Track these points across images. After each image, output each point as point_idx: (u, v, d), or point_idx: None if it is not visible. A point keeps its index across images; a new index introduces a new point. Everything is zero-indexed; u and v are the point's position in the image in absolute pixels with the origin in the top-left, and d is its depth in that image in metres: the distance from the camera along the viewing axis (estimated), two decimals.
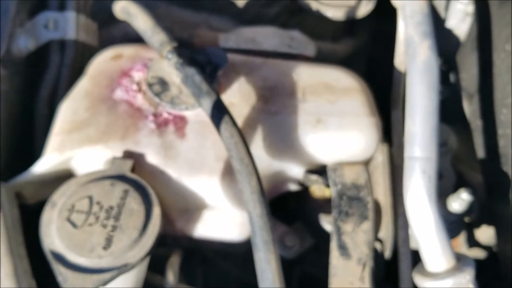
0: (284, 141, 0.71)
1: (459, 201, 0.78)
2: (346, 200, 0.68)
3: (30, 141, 0.81)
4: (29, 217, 0.67)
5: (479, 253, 0.90)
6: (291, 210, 0.88)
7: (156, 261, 0.73)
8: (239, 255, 0.90)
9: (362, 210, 0.67)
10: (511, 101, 0.75)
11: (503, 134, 0.76)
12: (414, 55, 0.64)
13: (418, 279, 0.59)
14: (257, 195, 0.61)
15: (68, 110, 0.71)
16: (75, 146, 0.68)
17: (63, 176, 0.68)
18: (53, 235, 0.59)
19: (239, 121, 0.70)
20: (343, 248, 0.65)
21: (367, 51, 1.15)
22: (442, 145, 0.90)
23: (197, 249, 0.84)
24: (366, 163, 0.77)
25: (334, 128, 0.72)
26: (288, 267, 0.72)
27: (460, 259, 0.59)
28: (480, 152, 0.82)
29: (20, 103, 0.81)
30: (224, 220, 0.70)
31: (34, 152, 0.79)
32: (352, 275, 0.63)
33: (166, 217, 0.72)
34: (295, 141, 0.71)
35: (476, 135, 0.84)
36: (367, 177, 0.70)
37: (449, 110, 0.98)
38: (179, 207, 0.70)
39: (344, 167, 0.71)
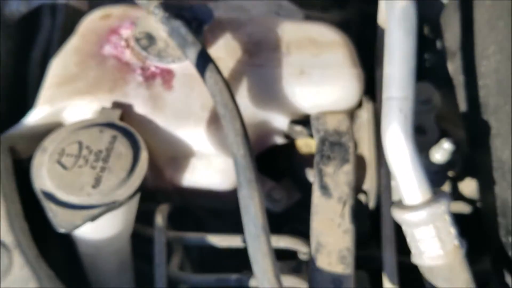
0: (268, 92, 0.73)
1: (441, 152, 0.80)
2: (328, 145, 0.70)
3: (24, 102, 0.83)
4: (23, 174, 0.70)
5: (464, 208, 0.92)
6: (279, 167, 0.90)
7: (147, 217, 0.75)
8: (230, 214, 0.93)
9: (343, 154, 0.70)
10: (491, 52, 0.77)
11: (484, 84, 0.78)
12: (393, 3, 0.66)
13: (396, 213, 0.61)
14: (240, 137, 0.63)
15: (58, 66, 0.74)
16: (65, 98, 0.70)
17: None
18: (44, 176, 0.61)
19: (225, 74, 0.72)
20: (324, 188, 0.67)
21: (355, 30, 1.17)
22: (426, 103, 0.92)
23: (189, 209, 0.87)
24: (351, 114, 0.79)
25: (317, 79, 0.74)
26: (277, 225, 0.74)
27: (436, 192, 0.61)
28: (462, 106, 0.84)
29: (13, 65, 0.83)
30: (211, 167, 0.73)
31: (27, 111, 0.81)
32: (333, 212, 0.65)
33: (155, 167, 0.75)
34: (279, 92, 0.73)
35: (458, 90, 0.86)
36: (348, 124, 0.73)
37: (435, 76, 1.00)
38: (167, 156, 0.73)
39: (327, 116, 0.73)
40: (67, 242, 0.70)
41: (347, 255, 0.62)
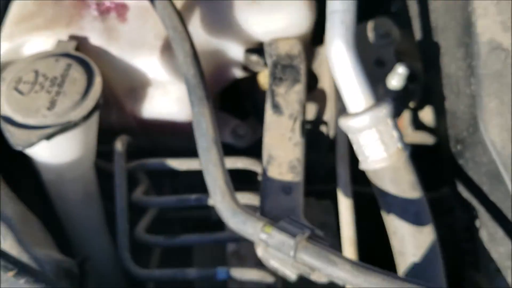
0: (221, 21, 0.75)
1: (396, 77, 0.82)
2: (280, 68, 0.73)
3: None
4: None
5: (425, 137, 0.95)
6: (243, 107, 0.93)
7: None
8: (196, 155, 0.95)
9: (294, 75, 0.72)
10: None
11: (434, 8, 0.80)
12: None
13: (342, 122, 0.63)
14: (190, 58, 0.65)
15: (17, 6, 0.76)
16: (23, 34, 0.72)
17: None
18: (2, 102, 0.64)
19: (178, 7, 0.74)
20: (276, 107, 0.69)
21: None
22: (385, 36, 0.94)
23: (157, 150, 0.89)
24: (310, 48, 0.81)
25: (268, 6, 0.75)
26: None
27: (380, 100, 0.63)
28: (418, 33, 0.86)
29: None
30: (168, 95, 0.75)
31: None
32: (284, 128, 0.67)
33: (116, 101, 0.77)
34: (231, 20, 0.75)
35: (414, 20, 0.88)
36: (300, 48, 0.75)
37: (400, 18, 1.02)
38: (125, 87, 0.75)
39: (279, 41, 0.75)
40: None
41: (297, 165, 0.65)
